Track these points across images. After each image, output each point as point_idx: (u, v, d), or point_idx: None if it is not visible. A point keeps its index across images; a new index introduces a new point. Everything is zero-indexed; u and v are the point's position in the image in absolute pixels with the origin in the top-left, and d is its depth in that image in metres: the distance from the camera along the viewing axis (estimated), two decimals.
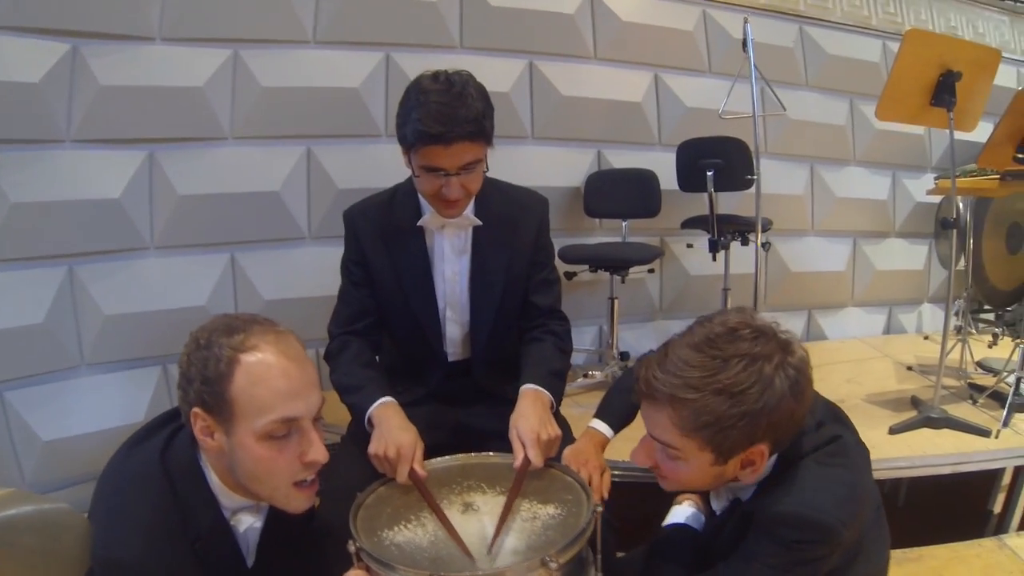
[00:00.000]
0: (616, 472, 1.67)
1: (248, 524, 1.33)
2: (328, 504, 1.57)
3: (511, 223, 1.85)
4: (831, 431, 1.31)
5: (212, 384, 1.19)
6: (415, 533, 1.30)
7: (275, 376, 1.21)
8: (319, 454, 1.26)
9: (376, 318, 1.88)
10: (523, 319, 1.93)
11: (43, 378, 2.63)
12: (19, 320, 2.53)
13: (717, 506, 1.46)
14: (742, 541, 1.28)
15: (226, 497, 1.29)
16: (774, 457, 1.28)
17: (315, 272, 3.00)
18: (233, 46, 2.91)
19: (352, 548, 1.21)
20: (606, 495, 1.48)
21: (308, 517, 1.41)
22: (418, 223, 1.79)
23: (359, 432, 1.69)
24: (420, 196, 1.79)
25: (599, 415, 1.68)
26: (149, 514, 1.21)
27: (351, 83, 3.10)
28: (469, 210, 1.78)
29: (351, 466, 1.67)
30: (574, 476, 1.47)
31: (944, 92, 2.58)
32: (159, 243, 2.86)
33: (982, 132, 2.79)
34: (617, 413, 1.67)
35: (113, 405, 2.70)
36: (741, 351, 1.16)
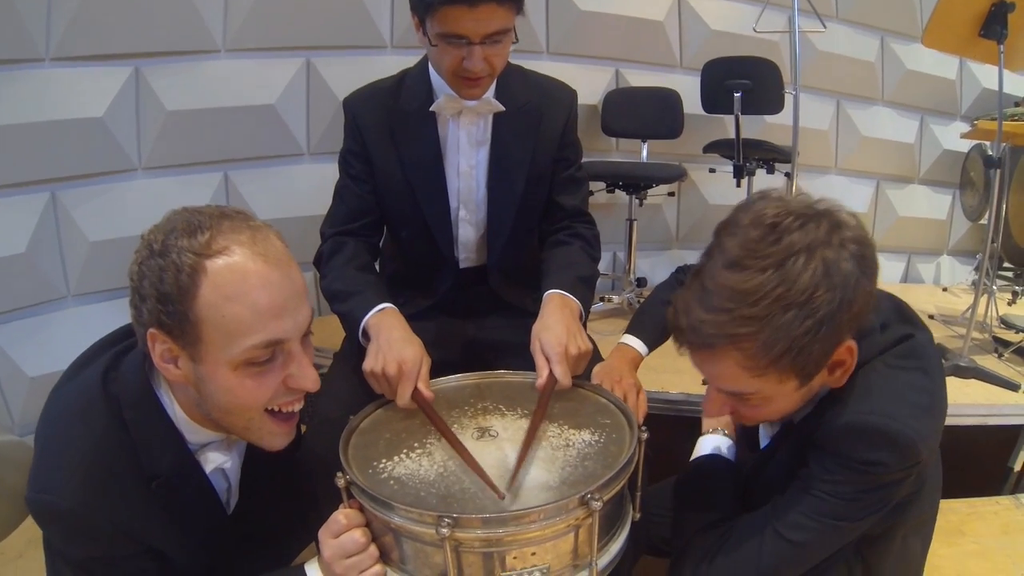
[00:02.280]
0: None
1: (217, 463, 1.12)
2: (316, 431, 1.39)
3: (536, 113, 1.64)
4: (900, 330, 1.09)
5: (171, 302, 0.94)
6: (419, 464, 1.08)
7: (253, 288, 0.96)
8: (308, 380, 1.04)
9: (376, 217, 1.68)
10: (546, 221, 1.74)
11: (27, 312, 2.56)
12: (1, 251, 2.44)
13: (763, 435, 1.28)
14: (798, 470, 1.09)
15: (190, 430, 1.07)
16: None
17: (314, 190, 2.85)
18: None
19: (342, 482, 1.01)
20: (643, 418, 1.30)
21: (292, 447, 1.20)
22: (431, 108, 1.58)
23: (352, 348, 1.50)
24: (433, 79, 1.59)
25: (631, 331, 1.50)
26: (90, 451, 0.99)
27: None
28: (490, 93, 1.58)
29: (342, 386, 1.49)
30: (609, 396, 1.28)
31: (995, 23, 2.45)
32: (147, 164, 2.73)
33: (1014, 83, 2.65)
34: (652, 328, 1.49)
35: (95, 338, 2.57)
36: (794, 247, 0.93)
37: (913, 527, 1.19)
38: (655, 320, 1.50)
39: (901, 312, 1.14)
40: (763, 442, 1.29)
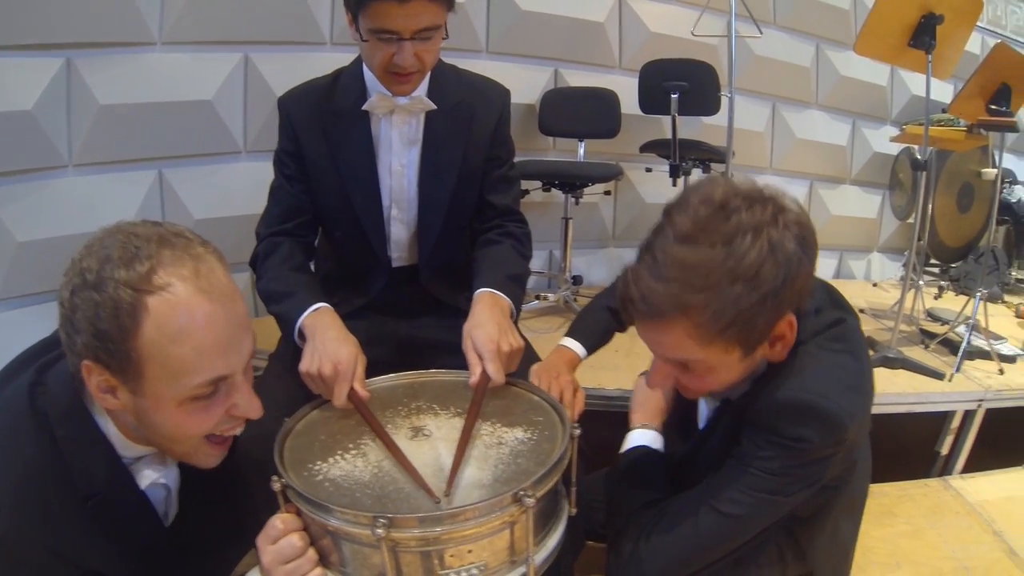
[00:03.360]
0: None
1: (152, 479, 1.08)
2: (251, 434, 1.36)
3: (468, 112, 1.64)
4: (832, 315, 1.15)
5: (110, 340, 0.89)
6: (354, 465, 1.08)
7: (198, 328, 0.92)
8: (252, 410, 1.02)
9: (310, 217, 1.66)
10: (477, 220, 1.74)
11: None
12: None
13: (702, 415, 1.33)
14: (733, 448, 1.14)
15: (123, 446, 1.03)
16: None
17: (251, 189, 2.69)
18: None
19: (277, 486, 0.99)
20: (579, 416, 1.31)
21: (227, 460, 1.17)
22: (363, 107, 1.57)
23: (288, 349, 1.49)
24: (367, 77, 1.58)
25: (571, 333, 1.53)
26: (19, 472, 0.94)
27: None
28: (422, 91, 1.58)
29: (276, 387, 1.48)
30: (542, 395, 1.28)
31: (924, 34, 2.57)
32: (78, 160, 2.62)
33: (940, 91, 2.76)
34: (592, 332, 1.52)
35: (27, 345, 2.46)
36: (742, 226, 0.97)
37: (843, 510, 1.24)
38: (594, 324, 1.54)
39: (833, 298, 1.20)
40: (702, 424, 1.32)
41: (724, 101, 2.97)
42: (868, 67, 4.07)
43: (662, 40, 3.55)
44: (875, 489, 1.40)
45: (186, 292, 0.91)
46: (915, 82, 4.25)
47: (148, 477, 1.07)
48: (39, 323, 2.50)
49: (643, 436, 1.38)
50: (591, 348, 1.52)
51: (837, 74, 4.14)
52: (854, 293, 3.94)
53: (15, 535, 0.91)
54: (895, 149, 4.30)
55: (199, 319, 0.92)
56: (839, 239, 4.45)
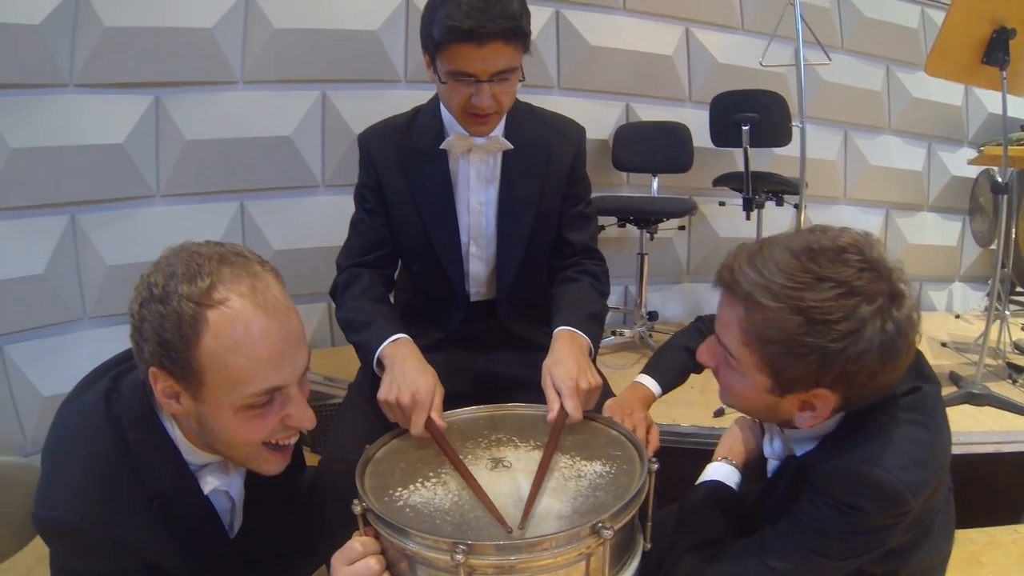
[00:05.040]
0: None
1: (215, 485, 1.13)
2: (330, 461, 1.41)
3: (545, 150, 1.66)
4: (908, 383, 1.11)
5: (173, 349, 0.96)
6: (435, 493, 1.09)
7: (254, 340, 0.98)
8: (305, 420, 1.07)
9: (390, 250, 1.70)
10: (555, 257, 1.76)
11: (44, 331, 2.59)
12: (19, 271, 2.49)
13: (771, 465, 1.30)
14: (792, 504, 1.12)
15: (189, 452, 1.10)
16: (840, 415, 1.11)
17: (329, 221, 2.90)
18: None
19: (358, 509, 1.01)
20: (653, 452, 1.29)
21: (290, 477, 1.23)
22: (441, 146, 1.61)
23: (367, 378, 1.52)
24: (444, 116, 1.62)
25: (647, 371, 1.52)
26: (93, 468, 1.01)
27: (369, 25, 2.98)
28: (499, 131, 1.61)
29: (356, 417, 1.51)
30: (621, 429, 1.28)
31: (997, 49, 2.47)
32: (165, 191, 2.78)
33: (1018, 108, 2.67)
34: (667, 370, 1.51)
35: None
36: (841, 276, 0.97)
37: (920, 571, 1.19)
38: (671, 363, 1.53)
39: (913, 363, 1.14)
40: (770, 470, 1.31)
41: (795, 131, 2.93)
42: (941, 87, 3.92)
43: (730, 71, 3.54)
44: (960, 535, 1.34)
45: (243, 306, 0.97)
46: (991, 100, 4.10)
47: (211, 483, 1.13)
48: (125, 340, 2.61)
49: (720, 470, 1.37)
50: (666, 387, 1.51)
51: (909, 96, 4.03)
52: (935, 326, 3.82)
53: (86, 525, 0.99)
54: (974, 172, 4.13)
55: (255, 332, 0.98)
56: (918, 269, 4.29)
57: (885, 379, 1.02)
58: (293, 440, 1.11)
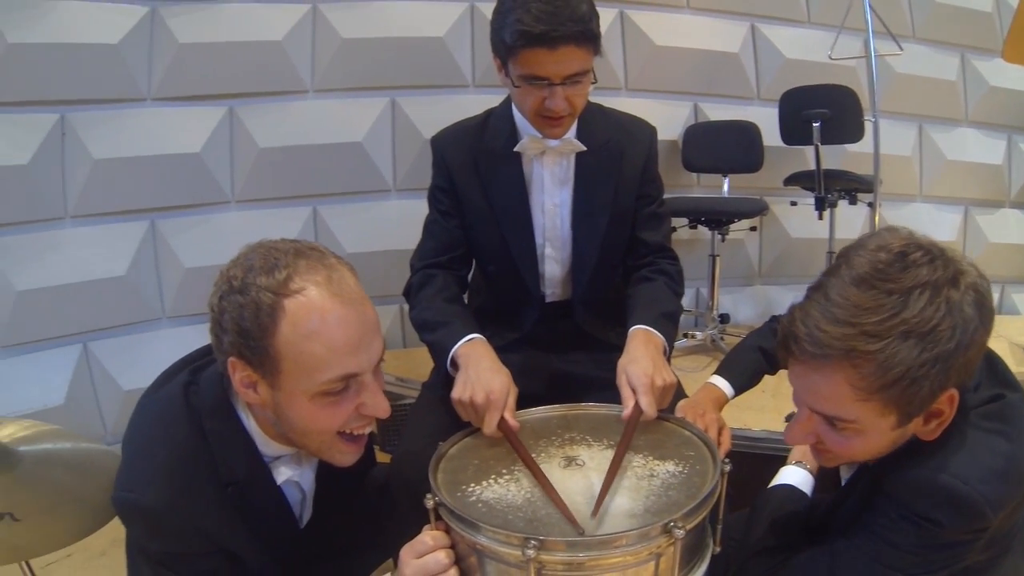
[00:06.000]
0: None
1: (288, 476, 1.17)
2: (402, 458, 1.43)
3: (617, 150, 1.66)
4: (991, 390, 1.06)
5: (252, 337, 0.99)
6: (507, 489, 1.10)
7: (330, 327, 1.00)
8: (379, 409, 1.08)
9: (464, 252, 1.71)
10: (630, 257, 1.75)
11: (125, 329, 2.73)
12: (103, 272, 2.64)
13: (843, 472, 1.28)
14: (865, 513, 1.08)
15: (263, 443, 1.13)
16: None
17: (400, 225, 2.96)
18: (311, 0, 2.88)
19: (430, 503, 1.02)
20: (724, 454, 1.26)
21: (361, 473, 1.26)
22: (515, 149, 1.62)
23: (440, 378, 1.54)
24: (516, 120, 1.63)
25: (720, 372, 1.50)
26: (171, 455, 1.06)
27: (435, 32, 3.03)
28: (572, 133, 1.61)
29: (429, 415, 1.52)
30: (694, 430, 1.27)
31: None
32: (239, 196, 2.89)
33: None
34: (741, 372, 1.48)
35: None
36: (920, 280, 0.92)
37: None
38: (745, 364, 1.51)
39: (995, 370, 1.10)
40: (844, 476, 1.28)
41: (868, 126, 2.86)
42: (1020, 74, 3.73)
43: (798, 66, 3.47)
44: None
45: (319, 295, 1.00)
46: None
47: (284, 474, 1.16)
48: (201, 338, 2.71)
49: (794, 474, 1.34)
50: (739, 388, 1.49)
51: (986, 85, 3.86)
52: (1019, 330, 3.65)
53: (163, 508, 1.03)
54: None
55: (330, 320, 1.00)
56: (999, 269, 4.07)
57: (988, 336, 0.98)
58: (367, 430, 1.13)
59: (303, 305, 0.99)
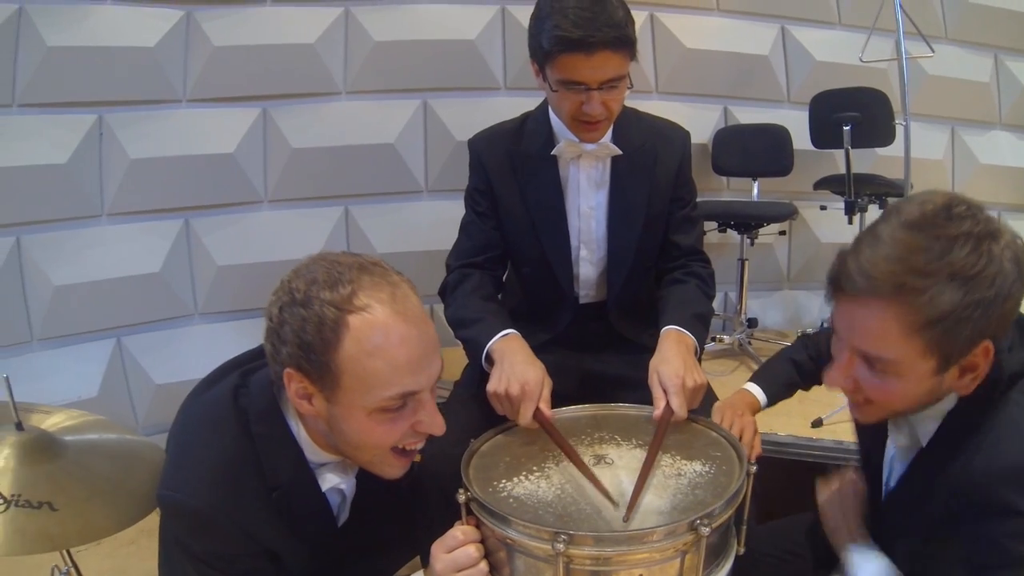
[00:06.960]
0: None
1: (333, 483, 1.18)
2: (434, 455, 1.43)
3: (652, 154, 1.68)
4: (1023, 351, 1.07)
5: (313, 351, 1.00)
6: (538, 486, 1.13)
7: (393, 345, 1.01)
8: (435, 427, 1.09)
9: (500, 252, 1.75)
10: (663, 260, 1.78)
11: (159, 325, 2.78)
12: (138, 269, 2.69)
13: (888, 467, 1.23)
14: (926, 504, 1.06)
15: (311, 451, 1.14)
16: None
17: (432, 226, 2.98)
18: (344, 3, 2.91)
19: (462, 498, 1.05)
20: (755, 458, 1.29)
21: (400, 477, 1.27)
22: (551, 152, 1.65)
23: (474, 376, 1.57)
24: (552, 123, 1.65)
25: (755, 379, 1.53)
26: (219, 457, 1.08)
27: (467, 35, 3.04)
28: (607, 137, 1.64)
29: (462, 413, 1.55)
30: (721, 431, 1.30)
31: None
32: (272, 196, 2.92)
33: None
34: (775, 382, 1.51)
35: (225, 354, 2.72)
36: (964, 229, 0.95)
37: None
38: (779, 375, 1.53)
39: None
40: (885, 472, 1.25)
41: (899, 129, 2.83)
42: None
43: (829, 68, 3.42)
44: None
45: (383, 313, 1.01)
46: None
47: (330, 480, 1.17)
48: (233, 336, 2.81)
49: (873, 564, 1.21)
50: (772, 398, 1.51)
51: (1020, 87, 3.77)
52: None
53: (209, 511, 1.05)
54: None
55: (394, 338, 1.01)
56: None
57: (1021, 295, 1.01)
58: (420, 445, 1.14)
59: (367, 322, 1.00)
